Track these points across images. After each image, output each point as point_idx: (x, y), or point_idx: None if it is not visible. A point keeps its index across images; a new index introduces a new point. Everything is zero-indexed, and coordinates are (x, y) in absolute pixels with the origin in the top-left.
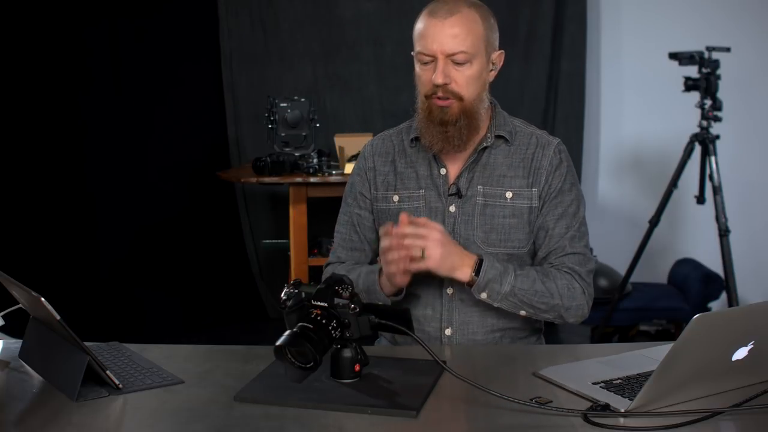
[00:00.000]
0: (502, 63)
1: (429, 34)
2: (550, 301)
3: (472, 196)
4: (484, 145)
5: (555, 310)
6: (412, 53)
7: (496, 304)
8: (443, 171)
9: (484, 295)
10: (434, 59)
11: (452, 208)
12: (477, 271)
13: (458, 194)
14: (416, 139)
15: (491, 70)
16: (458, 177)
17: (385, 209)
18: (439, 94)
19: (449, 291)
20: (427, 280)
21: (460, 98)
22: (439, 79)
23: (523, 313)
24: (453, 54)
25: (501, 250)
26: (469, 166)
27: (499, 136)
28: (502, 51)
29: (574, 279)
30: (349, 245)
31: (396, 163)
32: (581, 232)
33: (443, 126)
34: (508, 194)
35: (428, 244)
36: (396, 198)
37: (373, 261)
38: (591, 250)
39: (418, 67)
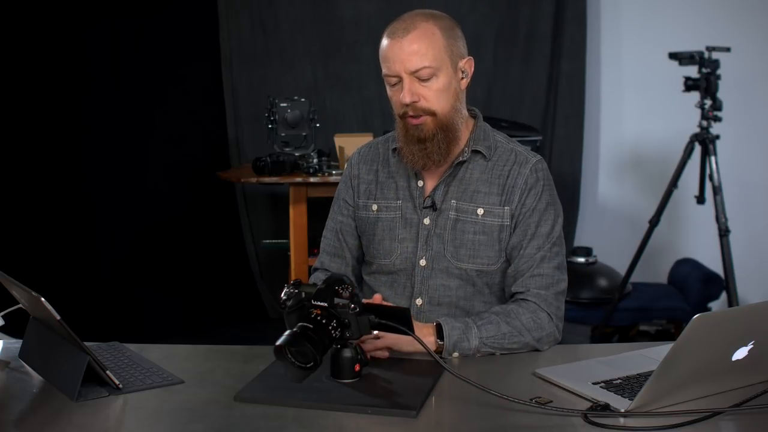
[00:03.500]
0: (473, 69)
1: (390, 56)
2: (521, 339)
3: (446, 210)
4: (461, 159)
5: (528, 345)
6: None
7: (473, 355)
8: (420, 183)
9: (456, 355)
10: (400, 79)
11: (426, 221)
12: (440, 334)
13: (433, 207)
14: (396, 149)
15: (462, 78)
16: (434, 190)
17: (364, 217)
18: (410, 113)
19: (418, 302)
20: (396, 289)
21: (432, 113)
22: (407, 99)
23: (499, 354)
24: (416, 71)
25: (470, 266)
26: (445, 180)
27: (475, 151)
28: (471, 57)
29: (539, 308)
30: (332, 251)
31: (378, 172)
32: (552, 253)
33: (421, 143)
34: (480, 210)
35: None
36: (375, 207)
37: (354, 268)
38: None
39: (388, 89)
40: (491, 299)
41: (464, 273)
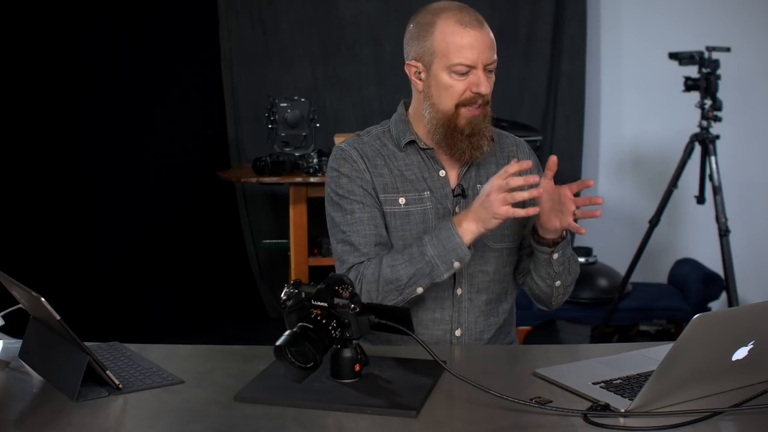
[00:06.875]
0: None
1: (470, 44)
2: (576, 274)
3: (472, 195)
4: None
5: (571, 285)
6: (411, 62)
7: (556, 268)
8: (443, 173)
9: (556, 255)
10: (470, 69)
11: (457, 209)
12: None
13: (462, 195)
14: (409, 143)
15: None
16: (461, 177)
17: (390, 212)
18: (479, 103)
19: (459, 291)
20: (436, 283)
21: (487, 104)
22: (485, 89)
23: (558, 283)
24: (490, 63)
25: (504, 245)
26: (467, 166)
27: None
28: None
29: None
30: (381, 240)
31: (390, 166)
32: None
33: (472, 137)
34: None
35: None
36: (402, 200)
37: None
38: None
39: (448, 78)
40: (514, 284)
41: (499, 254)
